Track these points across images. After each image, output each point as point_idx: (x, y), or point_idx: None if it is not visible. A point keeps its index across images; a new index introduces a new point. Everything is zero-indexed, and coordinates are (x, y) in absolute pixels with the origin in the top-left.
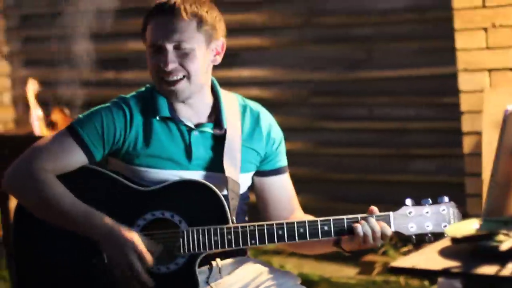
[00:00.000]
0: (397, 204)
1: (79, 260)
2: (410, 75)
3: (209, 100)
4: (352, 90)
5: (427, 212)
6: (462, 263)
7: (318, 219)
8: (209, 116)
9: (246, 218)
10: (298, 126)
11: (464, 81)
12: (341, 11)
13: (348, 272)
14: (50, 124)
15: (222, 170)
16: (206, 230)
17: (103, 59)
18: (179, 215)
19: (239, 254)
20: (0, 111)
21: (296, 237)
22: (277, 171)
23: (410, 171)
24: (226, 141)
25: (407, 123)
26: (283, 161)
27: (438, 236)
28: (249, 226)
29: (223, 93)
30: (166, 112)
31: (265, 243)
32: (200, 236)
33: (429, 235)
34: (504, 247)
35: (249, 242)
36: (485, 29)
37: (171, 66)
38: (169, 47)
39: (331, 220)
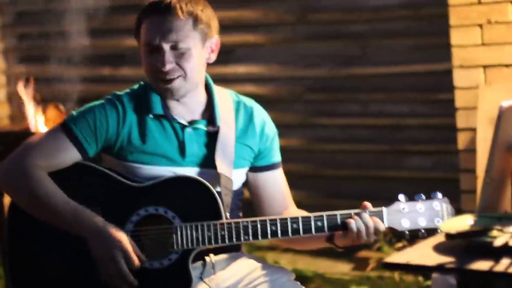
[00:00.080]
0: (392, 201)
1: (73, 257)
2: (405, 72)
3: (202, 97)
4: (346, 86)
5: (420, 208)
6: (456, 259)
7: (312, 214)
8: (203, 113)
9: (241, 214)
10: (292, 123)
11: (459, 78)
12: (336, 7)
13: (342, 268)
14: (45, 121)
15: (214, 166)
16: (199, 225)
17: (99, 55)
18: (172, 211)
19: (233, 250)
20: None
21: (290, 233)
22: (271, 167)
23: (404, 167)
24: (219, 138)
25: (401, 119)
26: (277, 157)
27: (431, 231)
28: (242, 222)
29: (217, 90)
30: (159, 110)
31: (258, 239)
32: (194, 231)
33: (422, 230)
34: (498, 243)
35: (242, 238)
36: (481, 26)
37: (169, 66)
38: (166, 47)
39: (325, 216)
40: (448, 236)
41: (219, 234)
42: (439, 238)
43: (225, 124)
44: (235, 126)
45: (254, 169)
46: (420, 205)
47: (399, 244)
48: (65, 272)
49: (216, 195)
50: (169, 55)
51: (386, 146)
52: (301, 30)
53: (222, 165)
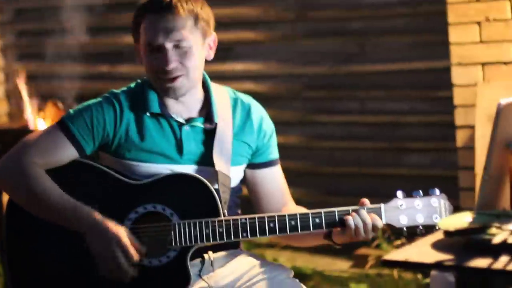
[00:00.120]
0: (391, 198)
1: (71, 254)
2: (404, 69)
3: (200, 95)
4: (345, 83)
5: (418, 205)
6: (455, 256)
7: (310, 211)
8: (200, 111)
9: (239, 211)
10: (291, 120)
11: (458, 75)
12: (335, 5)
13: (341, 265)
14: (44, 118)
15: (212, 164)
16: (197, 223)
17: (97, 53)
18: (170, 208)
19: (231, 247)
20: None
21: (288, 230)
22: (268, 164)
23: (403, 165)
24: (216, 135)
25: (400, 116)
26: (274, 154)
27: (429, 228)
28: (240, 219)
29: (214, 87)
30: (156, 108)
31: (256, 236)
32: (192, 229)
33: (420, 227)
34: (496, 240)
35: (240, 235)
36: (479, 23)
37: (172, 65)
38: (169, 46)
39: (322, 213)
40: (447, 233)
41: (217, 231)
42: (438, 236)
43: (223, 121)
44: (233, 123)
45: (252, 166)
46: (418, 202)
47: (398, 242)
48: (63, 269)
49: (214, 192)
50: (172, 54)
51: (385, 143)
52: (300, 28)
53: (219, 162)
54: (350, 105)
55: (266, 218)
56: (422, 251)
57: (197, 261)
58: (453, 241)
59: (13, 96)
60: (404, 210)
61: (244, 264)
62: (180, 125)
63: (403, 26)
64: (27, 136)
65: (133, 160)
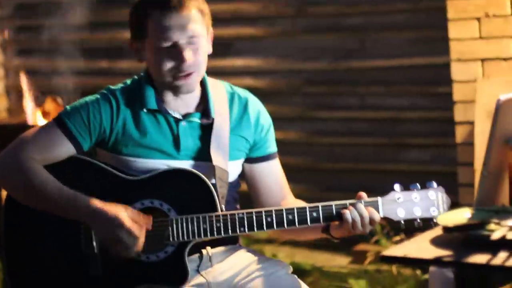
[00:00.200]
0: None
1: (70, 249)
2: (404, 65)
3: (197, 90)
4: (345, 79)
5: (415, 198)
6: (453, 252)
7: (307, 205)
8: (197, 106)
9: (238, 206)
10: (291, 116)
11: (457, 71)
12: (335, 0)
13: (340, 261)
14: (43, 114)
15: (210, 159)
16: (195, 218)
17: (97, 48)
18: (168, 204)
19: (230, 243)
20: None
21: (285, 224)
22: (266, 158)
23: (403, 161)
24: (214, 130)
25: (400, 112)
26: (272, 147)
27: (426, 221)
28: (238, 214)
29: (211, 82)
30: (153, 104)
31: (254, 230)
32: (189, 224)
33: (418, 220)
34: (495, 236)
35: (238, 230)
36: (478, 19)
37: (189, 62)
38: (183, 42)
39: (320, 207)
40: (446, 229)
41: (214, 226)
42: (437, 231)
43: (219, 116)
44: (230, 117)
45: (250, 160)
46: (416, 195)
47: (397, 238)
48: (62, 264)
49: (211, 187)
50: (187, 51)
51: (385, 139)
52: (300, 23)
53: (217, 157)
54: (350, 101)
55: (263, 212)
56: (421, 247)
57: (195, 256)
58: (452, 237)
59: (12, 91)
60: (402, 203)
61: (242, 260)
62: (177, 120)
63: (403, 21)
64: (24, 132)
65: (130, 156)
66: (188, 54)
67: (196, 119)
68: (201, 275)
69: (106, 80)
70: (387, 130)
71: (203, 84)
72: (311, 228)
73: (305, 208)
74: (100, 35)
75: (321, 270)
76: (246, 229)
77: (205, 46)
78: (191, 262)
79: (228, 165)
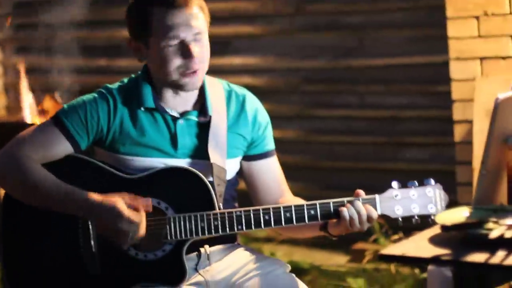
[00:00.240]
0: None
1: (68, 248)
2: (403, 63)
3: None
4: (344, 78)
5: (413, 195)
6: (452, 251)
7: (305, 203)
8: (195, 104)
9: (236, 205)
10: (289, 114)
11: (456, 70)
12: None
13: (338, 260)
14: (42, 112)
15: (207, 157)
16: (192, 216)
17: (95, 46)
18: (165, 202)
19: (228, 241)
20: None
21: (283, 222)
22: (264, 155)
23: (402, 160)
24: (211, 128)
25: (399, 111)
26: (270, 145)
27: (424, 218)
28: (235, 212)
29: (208, 80)
30: (151, 103)
31: (251, 229)
32: (187, 222)
33: (416, 217)
34: (493, 235)
35: (235, 228)
36: (477, 18)
37: (197, 59)
38: (190, 39)
39: (317, 204)
40: (444, 228)
41: (212, 224)
42: (435, 230)
43: (217, 114)
44: (227, 115)
45: (247, 157)
46: (413, 192)
47: (395, 236)
48: (60, 263)
49: (209, 185)
50: (195, 48)
51: (384, 138)
52: (299, 21)
53: (215, 155)
54: (349, 100)
55: (261, 210)
56: (419, 246)
57: (194, 255)
58: (450, 235)
59: (11, 89)
60: (399, 200)
61: (240, 258)
62: (174, 119)
63: (402, 20)
64: (21, 132)
65: (127, 155)
66: (196, 51)
67: (194, 117)
68: (199, 274)
69: (105, 78)
70: (386, 128)
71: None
72: (309, 226)
73: (303, 205)
74: (99, 33)
75: (319, 268)
76: (244, 227)
77: (208, 43)
78: (189, 260)
79: (226, 163)
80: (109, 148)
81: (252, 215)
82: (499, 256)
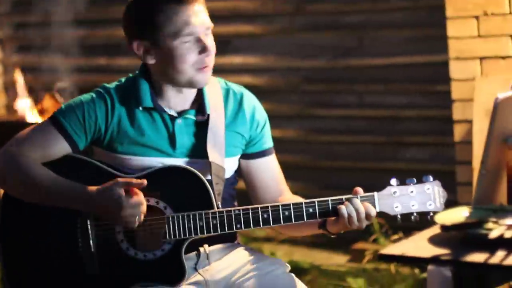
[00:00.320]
0: None
1: (67, 247)
2: (402, 63)
3: None
4: (343, 77)
5: (412, 192)
6: (451, 251)
7: (303, 201)
8: (193, 103)
9: (236, 204)
10: (289, 113)
11: (456, 69)
12: None
13: (338, 260)
14: (42, 111)
15: (206, 155)
16: (191, 215)
17: (95, 45)
18: (164, 202)
19: (228, 240)
20: None
21: (281, 220)
22: (263, 153)
23: (402, 159)
24: (209, 127)
25: (399, 110)
26: (268, 143)
27: (423, 215)
28: (234, 211)
29: None
30: (149, 102)
31: (250, 227)
32: (186, 221)
33: (415, 214)
34: (493, 235)
35: (234, 227)
36: (477, 17)
37: (212, 53)
38: (204, 35)
39: (316, 202)
40: (444, 228)
41: (211, 223)
42: (435, 230)
43: (215, 112)
44: (225, 113)
45: (246, 156)
46: (412, 189)
47: (395, 236)
48: (59, 263)
49: (207, 184)
50: (209, 41)
51: (384, 137)
52: (299, 21)
53: (213, 153)
54: (349, 99)
55: (259, 209)
56: (419, 246)
57: (193, 254)
58: (450, 235)
59: (11, 88)
60: (398, 197)
61: (240, 258)
62: (173, 118)
63: (401, 20)
64: (20, 132)
65: (125, 154)
66: (210, 45)
67: (191, 116)
68: (199, 273)
69: (104, 77)
70: (386, 128)
71: None
72: (308, 224)
73: (301, 204)
74: (98, 32)
75: (319, 268)
76: (243, 226)
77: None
78: (188, 260)
79: (224, 162)
80: (107, 147)
81: (250, 213)
82: (498, 256)
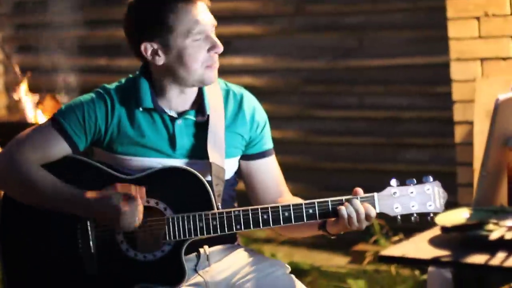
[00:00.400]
0: None
1: (67, 249)
2: (403, 64)
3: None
4: (343, 78)
5: (411, 192)
6: (452, 252)
7: (303, 202)
8: (193, 103)
9: (236, 205)
10: (289, 115)
11: (456, 71)
12: None
13: (338, 261)
14: (43, 111)
15: (206, 156)
16: (191, 216)
17: (95, 46)
18: (164, 202)
19: (228, 242)
20: None
21: (281, 221)
22: (262, 154)
23: (402, 161)
24: (209, 127)
25: (399, 112)
26: (268, 144)
27: (423, 216)
28: (233, 212)
29: None
30: (149, 103)
31: (250, 228)
32: (186, 222)
33: (415, 215)
34: (493, 236)
35: (234, 228)
36: (478, 18)
37: (221, 50)
38: (212, 32)
39: (316, 203)
40: (444, 229)
41: (211, 224)
42: (435, 232)
43: (215, 113)
44: (225, 114)
45: (246, 157)
46: (412, 189)
47: (396, 238)
48: (59, 264)
49: (207, 185)
50: (216, 39)
51: (384, 139)
52: (299, 22)
53: (214, 154)
54: (349, 100)
55: (259, 210)
56: (419, 247)
57: (193, 255)
58: (450, 237)
59: (11, 89)
60: (398, 198)
61: (240, 259)
62: (173, 119)
63: (402, 21)
64: (20, 133)
65: (125, 155)
66: (219, 41)
67: (191, 117)
68: (199, 275)
69: (105, 78)
70: (386, 129)
71: None
72: (308, 225)
73: (301, 204)
74: (99, 32)
75: (319, 270)
76: (243, 227)
77: None
78: (188, 261)
79: (224, 163)
80: (107, 148)
81: (250, 214)
82: (499, 258)
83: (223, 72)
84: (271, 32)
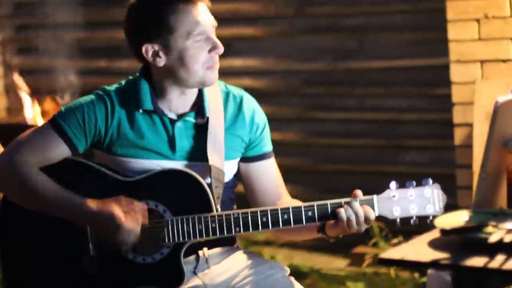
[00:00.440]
0: None
1: (66, 251)
2: (403, 66)
3: (194, 89)
4: (343, 80)
5: (411, 195)
6: (451, 255)
7: (302, 204)
8: (192, 105)
9: (235, 207)
10: (289, 116)
11: (456, 73)
12: (333, 1)
13: (338, 264)
14: (43, 113)
15: (206, 159)
16: (190, 219)
17: (95, 47)
18: (163, 205)
19: (227, 244)
20: None
21: (280, 224)
22: (262, 157)
23: (402, 163)
24: (209, 130)
25: (399, 114)
26: (268, 146)
27: (422, 219)
28: (233, 214)
29: None
30: (149, 105)
31: (249, 231)
32: (185, 225)
33: (414, 218)
34: (493, 239)
35: (233, 230)
36: (478, 20)
37: (222, 50)
38: (212, 33)
39: (315, 206)
40: (443, 232)
41: (210, 226)
42: (434, 234)
43: (214, 115)
44: (224, 116)
45: (245, 159)
46: (411, 192)
47: (395, 240)
48: (58, 266)
49: (206, 187)
50: (217, 40)
51: (384, 141)
52: (299, 24)
53: (213, 156)
54: (349, 102)
55: (258, 212)
56: (418, 250)
57: (192, 258)
58: (450, 239)
59: (12, 90)
60: (397, 201)
61: (240, 262)
62: (173, 121)
63: (402, 22)
64: (20, 135)
65: (125, 156)
66: (219, 42)
67: (191, 119)
68: (198, 277)
69: (105, 79)
70: (386, 131)
71: None
72: (307, 228)
73: (300, 207)
74: (99, 34)
75: (319, 272)
76: (242, 229)
77: None
78: (187, 263)
79: (224, 165)
80: (107, 150)
81: (249, 217)
82: (498, 260)
83: (224, 73)
84: (272, 33)
